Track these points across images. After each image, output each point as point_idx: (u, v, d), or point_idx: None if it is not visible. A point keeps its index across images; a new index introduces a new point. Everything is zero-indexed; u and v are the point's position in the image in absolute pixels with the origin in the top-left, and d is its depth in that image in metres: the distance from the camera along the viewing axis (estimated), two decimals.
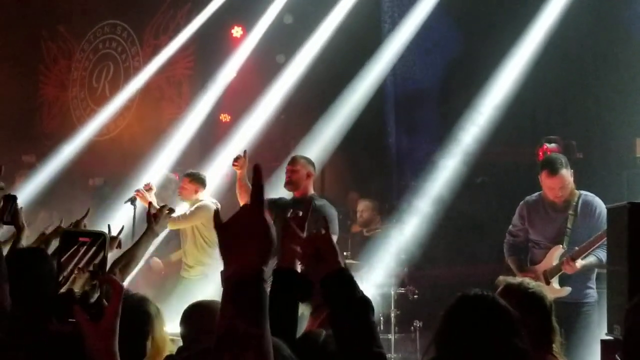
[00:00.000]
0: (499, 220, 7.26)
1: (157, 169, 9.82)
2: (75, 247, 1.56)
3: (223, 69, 10.82)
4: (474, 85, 8.45)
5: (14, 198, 4.34)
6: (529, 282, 3.97)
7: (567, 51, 8.24)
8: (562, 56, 8.27)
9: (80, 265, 1.55)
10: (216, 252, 1.57)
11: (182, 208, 8.22)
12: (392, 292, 7.69)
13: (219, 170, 9.94)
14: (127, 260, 4.19)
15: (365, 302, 2.44)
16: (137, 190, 7.76)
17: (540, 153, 7.42)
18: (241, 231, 1.69)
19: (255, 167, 1.72)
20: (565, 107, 8.12)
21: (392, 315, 7.63)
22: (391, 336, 7.58)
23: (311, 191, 6.96)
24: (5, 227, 4.60)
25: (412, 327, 7.74)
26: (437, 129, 8.92)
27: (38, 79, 13.28)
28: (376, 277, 7.98)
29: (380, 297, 7.76)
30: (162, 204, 4.82)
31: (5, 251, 3.46)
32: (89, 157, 12.40)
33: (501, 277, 3.94)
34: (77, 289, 1.53)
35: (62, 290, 1.54)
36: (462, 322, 2.81)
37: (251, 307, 1.66)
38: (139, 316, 3.64)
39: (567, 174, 6.11)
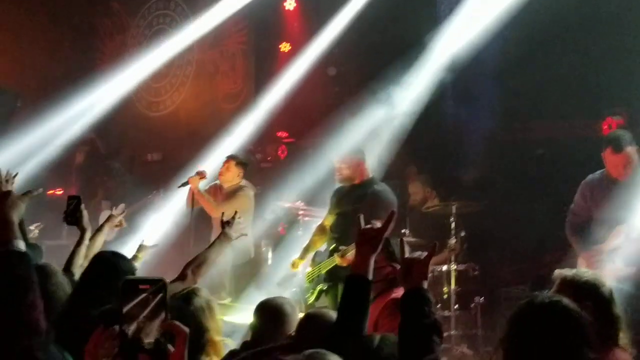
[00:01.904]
0: (560, 195, 7.12)
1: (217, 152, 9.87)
2: (136, 295, 1.54)
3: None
4: (534, 56, 8.24)
5: (78, 199, 4.39)
6: (584, 271, 3.89)
7: (631, 14, 7.91)
8: (625, 20, 7.95)
9: (145, 315, 1.53)
10: None
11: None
12: (452, 269, 7.62)
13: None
14: (199, 262, 4.28)
15: (433, 324, 2.73)
16: (191, 177, 7.97)
17: (605, 127, 7.23)
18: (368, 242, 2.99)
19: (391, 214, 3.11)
20: (631, 75, 7.81)
21: (452, 292, 7.58)
22: (450, 313, 7.53)
23: (368, 175, 6.95)
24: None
25: (473, 304, 7.69)
26: (497, 100, 8.73)
27: (94, 55, 13.38)
28: (435, 255, 7.92)
29: (440, 273, 7.72)
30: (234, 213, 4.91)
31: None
32: (146, 133, 12.54)
33: (557, 272, 3.84)
34: (148, 339, 1.52)
35: (129, 338, 1.52)
36: (530, 330, 2.76)
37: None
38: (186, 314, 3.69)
39: (632, 151, 5.94)
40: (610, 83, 7.75)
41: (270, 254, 9.33)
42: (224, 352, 3.71)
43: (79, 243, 4.43)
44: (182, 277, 4.20)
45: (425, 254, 2.90)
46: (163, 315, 1.56)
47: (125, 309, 1.54)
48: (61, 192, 11.37)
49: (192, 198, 8.13)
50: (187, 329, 1.57)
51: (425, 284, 2.84)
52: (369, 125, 8.57)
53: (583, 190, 6.26)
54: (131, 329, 1.53)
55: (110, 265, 3.51)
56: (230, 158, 8.58)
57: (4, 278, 2.09)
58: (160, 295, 1.56)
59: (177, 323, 1.57)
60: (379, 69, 9.57)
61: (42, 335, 2.07)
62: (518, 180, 8.45)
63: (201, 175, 8.07)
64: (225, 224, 4.63)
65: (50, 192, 11.08)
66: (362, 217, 3.21)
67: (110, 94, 11.68)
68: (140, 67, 11.78)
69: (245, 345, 3.74)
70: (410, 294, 2.80)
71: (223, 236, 4.54)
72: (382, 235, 3.06)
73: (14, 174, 5.19)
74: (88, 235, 4.50)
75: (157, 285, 1.57)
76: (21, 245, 2.16)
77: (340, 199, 6.97)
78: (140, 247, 5.40)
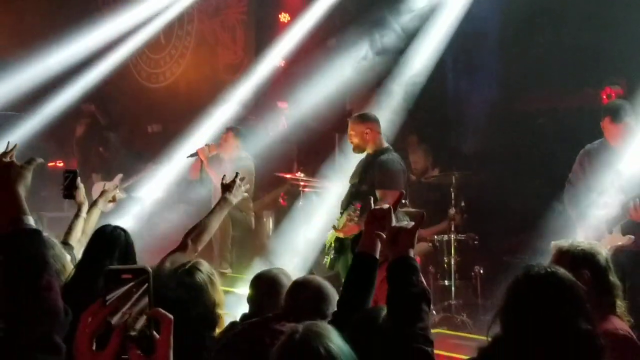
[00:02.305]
0: (559, 165, 7.13)
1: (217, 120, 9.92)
2: (119, 285, 1.53)
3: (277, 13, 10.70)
4: (534, 26, 8.19)
5: (75, 173, 4.39)
6: (579, 241, 3.93)
7: None
8: None
9: (129, 304, 1.52)
10: None
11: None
12: (453, 239, 7.65)
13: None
14: (200, 230, 4.17)
15: (421, 293, 2.68)
16: (200, 149, 8.04)
17: (604, 96, 7.21)
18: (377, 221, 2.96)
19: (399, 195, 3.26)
20: (631, 45, 7.75)
21: (452, 261, 7.61)
22: (450, 282, 7.58)
23: (383, 145, 6.81)
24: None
25: (473, 274, 7.74)
26: (497, 70, 8.70)
27: (93, 22, 13.27)
28: (435, 224, 7.97)
29: (440, 243, 7.76)
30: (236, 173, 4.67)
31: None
32: (146, 105, 12.53)
33: (553, 243, 3.88)
34: (132, 328, 1.51)
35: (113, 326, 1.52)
36: (525, 301, 2.79)
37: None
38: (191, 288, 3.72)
39: (631, 121, 5.94)
40: (610, 52, 7.70)
41: (271, 225, 9.39)
42: (225, 323, 3.76)
43: (76, 216, 4.42)
44: (182, 247, 4.14)
45: (412, 223, 2.88)
46: (147, 303, 1.55)
47: (108, 299, 1.51)
48: (62, 164, 11.40)
49: (200, 169, 8.21)
50: (171, 316, 1.55)
51: (412, 253, 2.78)
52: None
53: (581, 159, 6.27)
54: (115, 319, 1.52)
55: (111, 239, 3.54)
56: (228, 129, 8.64)
57: (17, 259, 1.95)
58: (145, 284, 1.54)
59: (162, 310, 1.54)
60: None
61: (60, 318, 1.94)
62: (518, 150, 8.43)
63: (211, 147, 8.16)
64: (225, 188, 4.46)
65: (51, 164, 11.12)
66: (372, 199, 3.27)
67: (109, 62, 11.70)
68: (139, 33, 11.79)
69: (244, 317, 3.77)
70: (396, 262, 2.76)
71: (223, 201, 4.37)
72: (390, 215, 3.02)
73: (13, 145, 5.20)
74: (85, 208, 4.49)
75: (140, 275, 1.53)
76: (31, 221, 2.00)
77: (355, 170, 6.89)
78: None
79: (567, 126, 7.90)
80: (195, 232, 4.21)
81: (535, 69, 8.33)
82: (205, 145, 8.27)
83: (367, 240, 3.04)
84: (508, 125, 8.65)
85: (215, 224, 4.32)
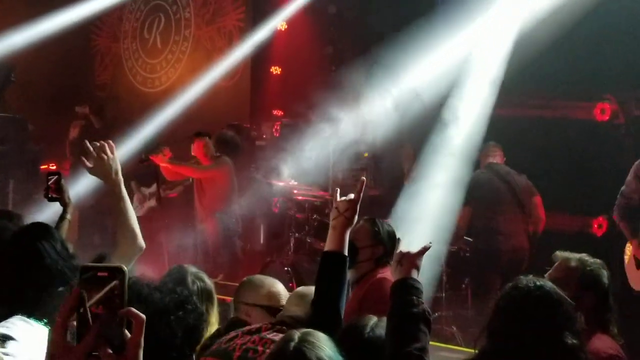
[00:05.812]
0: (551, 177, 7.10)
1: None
2: (95, 282, 1.53)
3: (273, 19, 10.69)
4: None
5: (59, 174, 4.35)
6: (587, 259, 3.84)
7: None
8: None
9: (102, 302, 1.52)
10: None
11: None
12: (444, 250, 7.58)
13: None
14: (129, 226, 3.49)
15: (421, 313, 2.71)
16: (154, 155, 7.98)
17: (597, 112, 7.12)
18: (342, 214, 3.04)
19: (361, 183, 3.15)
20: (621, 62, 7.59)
21: (444, 272, 7.57)
22: (442, 294, 7.55)
23: None
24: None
25: (464, 285, 7.72)
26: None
27: (90, 29, 13.29)
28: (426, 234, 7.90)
29: (430, 255, 7.67)
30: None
31: None
32: (141, 109, 12.50)
33: (558, 253, 3.79)
34: (105, 325, 1.52)
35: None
36: (512, 314, 2.79)
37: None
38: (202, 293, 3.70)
39: None
40: (603, 67, 7.60)
41: (262, 232, 9.39)
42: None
43: (61, 218, 4.31)
44: (122, 247, 3.48)
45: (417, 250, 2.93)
46: (121, 302, 1.53)
47: (83, 294, 1.50)
48: (55, 167, 11.35)
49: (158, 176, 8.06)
50: (144, 316, 1.55)
51: (416, 274, 2.84)
52: None
53: (637, 171, 5.91)
54: (88, 315, 1.52)
55: None
56: (195, 137, 8.72)
57: None
58: (120, 282, 1.53)
59: (135, 310, 1.54)
60: (376, 47, 9.51)
61: None
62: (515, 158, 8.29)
63: (165, 152, 8.07)
64: (105, 178, 3.49)
65: (44, 167, 11.07)
66: (338, 190, 3.24)
67: None
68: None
69: (230, 325, 3.74)
70: (399, 283, 2.82)
71: (112, 189, 3.46)
72: (355, 206, 3.08)
73: None
74: (70, 210, 4.39)
75: (116, 273, 1.54)
76: None
77: None
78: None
79: (557, 138, 7.84)
80: (123, 229, 3.49)
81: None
82: (159, 150, 8.14)
83: (334, 237, 3.07)
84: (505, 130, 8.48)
85: (130, 209, 3.52)
